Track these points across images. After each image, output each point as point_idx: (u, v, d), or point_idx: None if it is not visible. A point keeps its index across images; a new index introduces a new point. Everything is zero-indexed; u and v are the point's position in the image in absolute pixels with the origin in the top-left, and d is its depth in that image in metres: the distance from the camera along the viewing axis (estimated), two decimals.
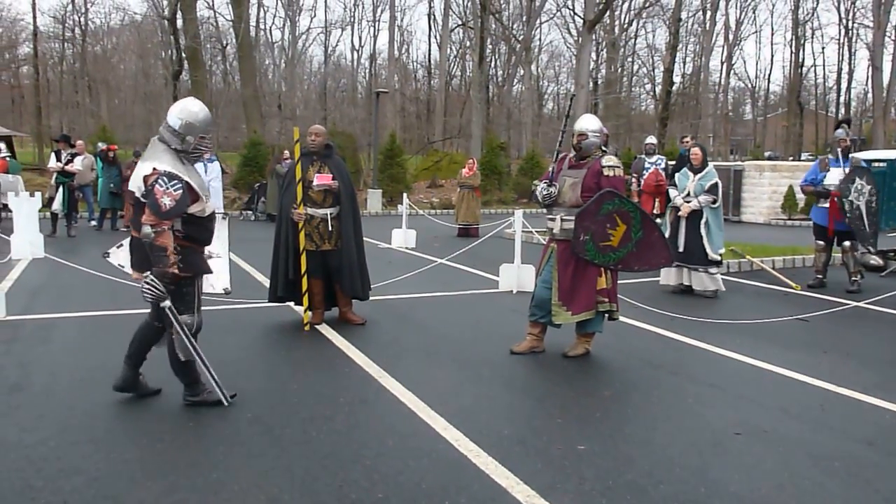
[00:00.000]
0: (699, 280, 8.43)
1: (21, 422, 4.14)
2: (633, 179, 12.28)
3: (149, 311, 4.52)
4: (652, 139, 12.73)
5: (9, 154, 16.35)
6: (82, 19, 40.70)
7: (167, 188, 4.08)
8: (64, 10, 41.97)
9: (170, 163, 4.21)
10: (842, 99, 47.61)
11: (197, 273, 4.45)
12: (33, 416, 4.24)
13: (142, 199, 4.17)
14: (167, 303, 4.23)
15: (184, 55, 31.54)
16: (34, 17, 36.43)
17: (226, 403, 4.45)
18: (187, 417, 4.27)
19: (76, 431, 4.02)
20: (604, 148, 5.73)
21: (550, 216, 5.70)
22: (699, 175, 8.41)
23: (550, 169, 5.86)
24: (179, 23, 30.26)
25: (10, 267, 9.59)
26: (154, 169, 4.14)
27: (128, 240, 4.69)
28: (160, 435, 3.99)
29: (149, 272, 4.18)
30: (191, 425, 4.14)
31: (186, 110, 4.36)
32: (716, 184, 8.36)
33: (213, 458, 3.69)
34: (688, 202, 8.35)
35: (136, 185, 4.22)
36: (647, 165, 12.02)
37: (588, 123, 5.73)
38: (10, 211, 11.64)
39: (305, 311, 6.51)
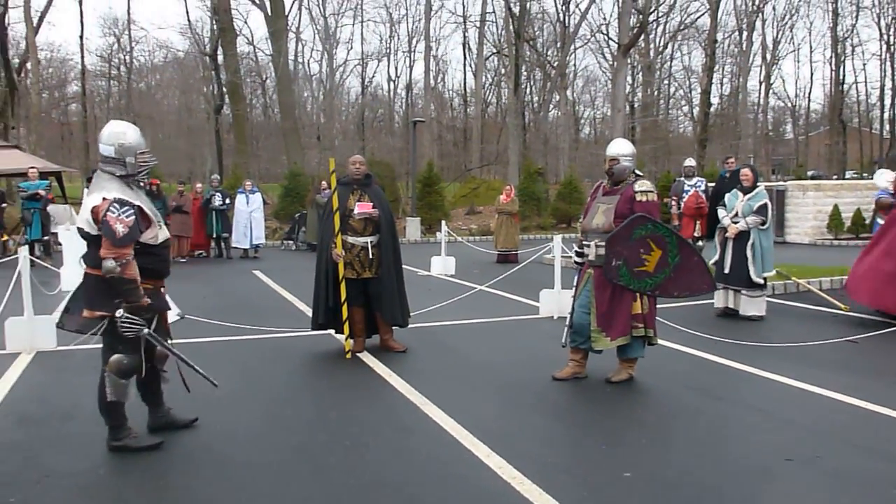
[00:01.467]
0: (742, 303, 8.29)
1: (72, 449, 4.23)
2: (673, 202, 12.16)
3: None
4: (691, 161, 12.60)
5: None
6: (127, 58, 42.03)
7: (119, 215, 3.93)
8: (110, 50, 43.45)
9: (118, 190, 4.06)
10: (886, 115, 46.71)
11: (154, 312, 4.24)
12: (84, 444, 4.32)
13: (91, 234, 4.04)
14: (146, 331, 4.08)
15: (225, 90, 32.29)
16: (82, 57, 37.72)
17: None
18: (232, 446, 4.31)
19: (124, 460, 4.08)
20: (637, 172, 5.70)
21: (586, 242, 5.67)
22: (748, 195, 8.29)
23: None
24: (220, 59, 31.06)
25: (61, 298, 9.80)
26: (104, 198, 3.99)
27: (63, 304, 4.32)
28: (205, 463, 4.03)
29: (121, 310, 3.98)
30: (235, 453, 4.18)
31: (114, 134, 4.19)
32: (765, 205, 8.21)
33: (258, 486, 3.72)
34: (735, 223, 8.23)
35: (83, 220, 4.07)
36: (686, 188, 11.90)
37: (620, 148, 5.70)
38: (60, 243, 11.94)
39: (347, 338, 6.56)
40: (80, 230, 4.14)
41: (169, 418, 4.60)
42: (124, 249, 3.93)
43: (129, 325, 4.01)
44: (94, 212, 4.00)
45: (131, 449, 4.20)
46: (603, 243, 5.47)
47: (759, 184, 8.46)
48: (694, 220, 11.67)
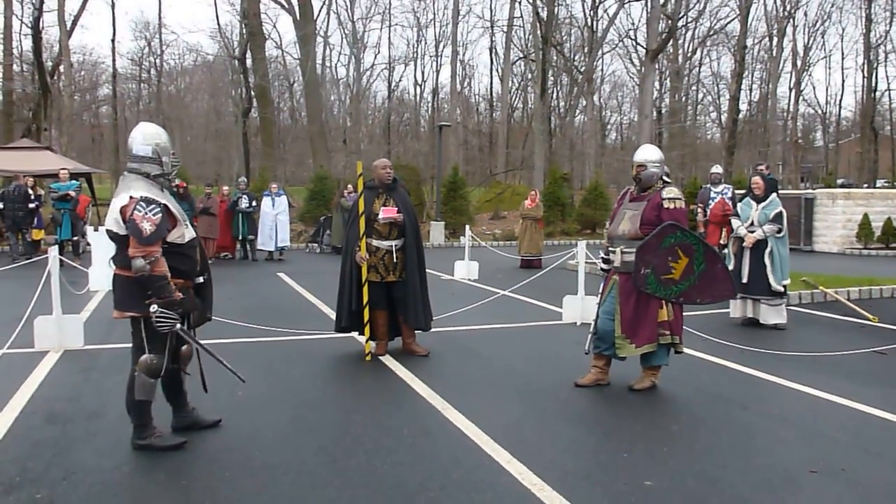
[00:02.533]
0: (763, 312, 8.20)
1: (98, 448, 4.29)
2: (700, 209, 12.07)
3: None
4: (718, 168, 12.49)
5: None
6: (158, 61, 42.65)
7: (146, 213, 4.00)
8: (141, 53, 44.18)
9: (145, 189, 4.15)
10: None
11: (186, 308, 4.29)
12: (110, 442, 4.38)
13: (120, 234, 4.13)
14: (179, 326, 4.16)
15: (253, 93, 32.63)
16: (113, 60, 38.34)
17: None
18: (255, 447, 4.34)
19: (149, 458, 4.13)
20: (665, 179, 5.66)
21: (612, 248, 5.64)
22: (763, 204, 8.20)
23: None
24: (249, 62, 31.36)
25: (89, 298, 9.97)
26: (131, 197, 4.09)
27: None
28: (228, 464, 4.07)
29: (154, 306, 4.05)
30: (257, 454, 4.21)
31: (151, 135, 4.32)
32: (780, 213, 8.13)
33: (280, 489, 3.75)
34: (752, 232, 8.15)
35: (112, 220, 4.16)
36: (713, 195, 11.80)
37: (647, 154, 5.66)
38: (90, 244, 12.13)
39: (367, 340, 6.58)
40: (108, 231, 4.22)
41: (193, 418, 4.66)
42: (152, 247, 4.00)
43: (163, 321, 4.07)
44: (122, 211, 4.09)
45: (155, 448, 4.26)
46: (630, 250, 5.44)
47: (770, 191, 8.36)
48: (720, 227, 11.58)
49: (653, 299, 5.46)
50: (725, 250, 11.44)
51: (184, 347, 4.38)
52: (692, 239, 5.51)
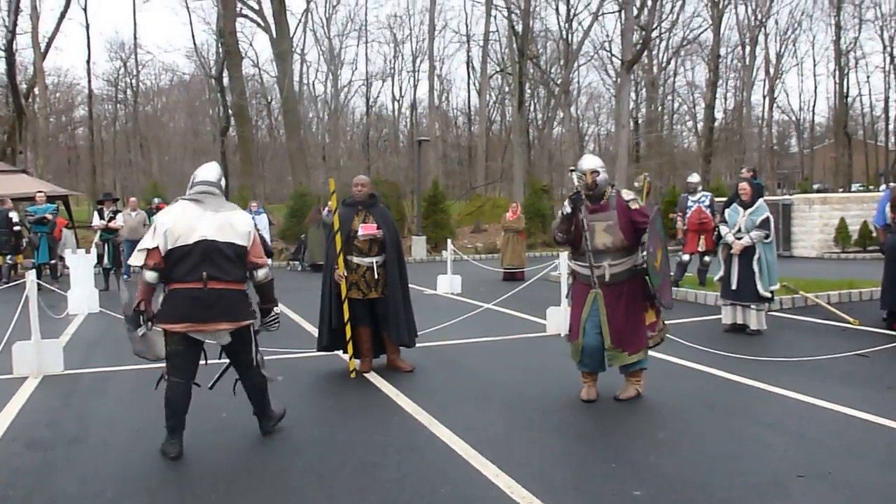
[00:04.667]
0: (752, 317, 8.25)
1: (80, 474, 4.22)
2: (679, 218, 12.15)
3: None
4: (695, 177, 12.57)
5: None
6: (134, 81, 42.35)
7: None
8: (117, 73, 43.81)
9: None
10: (891, 127, 46.69)
11: None
12: (91, 468, 4.32)
13: (235, 245, 4.43)
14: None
15: (231, 112, 32.53)
16: (89, 81, 37.99)
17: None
18: (241, 467, 4.30)
19: (133, 483, 4.07)
20: (612, 183, 5.68)
21: (596, 264, 5.42)
22: (749, 210, 8.25)
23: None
24: (226, 81, 31.27)
25: (68, 322, 9.85)
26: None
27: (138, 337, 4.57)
28: (214, 486, 4.02)
29: (274, 309, 4.70)
30: (244, 475, 4.17)
31: (214, 166, 4.86)
32: (767, 218, 8.19)
33: None
34: (739, 238, 8.20)
35: (241, 234, 4.46)
36: (690, 203, 11.88)
37: (596, 161, 5.57)
38: (68, 267, 12.00)
39: (351, 358, 6.54)
40: (223, 244, 4.39)
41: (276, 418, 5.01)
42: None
43: (271, 322, 4.73)
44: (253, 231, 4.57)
45: (278, 419, 4.88)
46: (616, 262, 5.41)
47: (761, 196, 8.45)
48: (698, 234, 11.66)
49: (639, 303, 5.48)
50: (706, 258, 11.56)
51: (259, 356, 4.76)
52: (664, 234, 5.68)
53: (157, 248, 4.36)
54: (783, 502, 3.69)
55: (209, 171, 4.74)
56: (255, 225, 4.86)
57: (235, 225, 4.46)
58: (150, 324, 4.45)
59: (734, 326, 8.40)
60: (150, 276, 4.41)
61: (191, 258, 4.33)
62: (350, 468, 4.24)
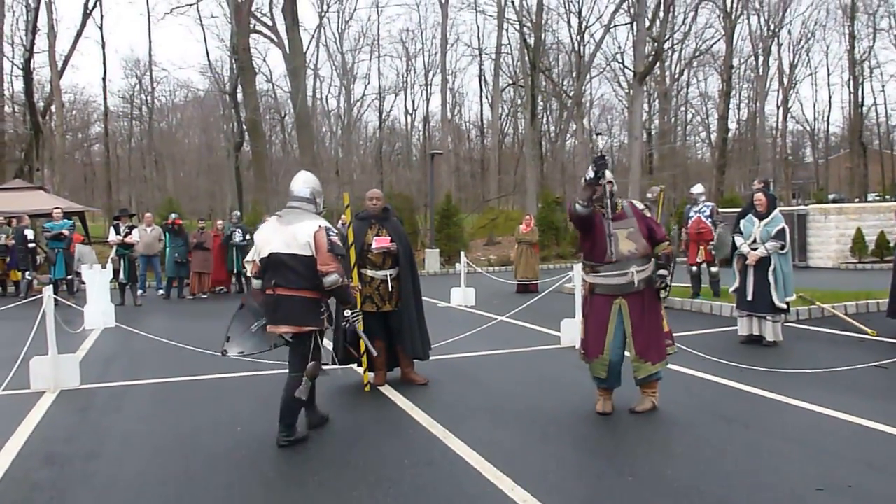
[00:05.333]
0: (768, 329, 8.18)
1: (97, 489, 4.24)
2: (682, 229, 12.14)
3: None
4: (698, 188, 12.51)
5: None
6: (149, 98, 42.74)
7: (334, 237, 4.89)
8: (132, 90, 44.31)
9: (321, 219, 5.03)
10: None
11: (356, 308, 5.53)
12: (107, 483, 4.33)
13: (306, 257, 4.81)
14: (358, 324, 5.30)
15: (244, 127, 32.76)
16: (105, 99, 38.47)
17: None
18: (257, 483, 4.30)
19: (148, 498, 4.08)
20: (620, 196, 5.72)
21: (620, 271, 5.36)
22: (765, 221, 8.19)
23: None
24: (240, 97, 31.53)
25: (84, 337, 9.91)
26: (320, 226, 4.88)
27: (237, 329, 5.23)
28: (229, 502, 4.02)
29: (349, 311, 5.29)
30: (260, 491, 4.17)
31: (310, 180, 5.21)
32: (783, 229, 8.11)
33: None
34: (754, 249, 8.14)
35: (301, 244, 4.82)
36: (691, 214, 11.83)
37: (609, 173, 5.57)
38: (84, 282, 12.11)
39: (365, 371, 6.54)
40: (286, 256, 4.84)
41: (318, 418, 5.40)
42: (339, 264, 4.88)
43: (356, 318, 5.26)
44: (316, 236, 4.84)
45: (299, 441, 4.98)
46: (642, 268, 5.39)
47: (776, 207, 8.39)
48: (697, 245, 11.60)
49: (658, 312, 5.49)
50: (714, 268, 11.51)
51: (310, 364, 4.94)
52: None
53: (255, 260, 5.13)
54: None
55: (296, 184, 5.19)
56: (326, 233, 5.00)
57: (298, 237, 4.86)
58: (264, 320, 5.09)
59: (750, 338, 8.33)
60: (256, 283, 5.13)
61: (267, 269, 4.95)
62: (365, 483, 4.23)
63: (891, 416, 5.27)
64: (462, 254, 14.66)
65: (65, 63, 32.51)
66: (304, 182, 5.18)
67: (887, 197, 39.85)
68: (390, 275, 6.56)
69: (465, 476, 4.32)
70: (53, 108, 33.33)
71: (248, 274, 5.33)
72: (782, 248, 8.11)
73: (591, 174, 5.19)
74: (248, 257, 5.21)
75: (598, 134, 5.65)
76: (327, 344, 5.53)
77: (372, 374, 6.63)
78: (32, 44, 29.65)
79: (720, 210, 12.76)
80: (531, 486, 4.06)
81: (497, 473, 4.30)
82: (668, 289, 5.75)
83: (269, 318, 4.98)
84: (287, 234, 4.89)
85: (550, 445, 4.89)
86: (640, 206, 5.63)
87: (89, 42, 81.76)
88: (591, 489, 4.10)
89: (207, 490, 4.20)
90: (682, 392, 6.07)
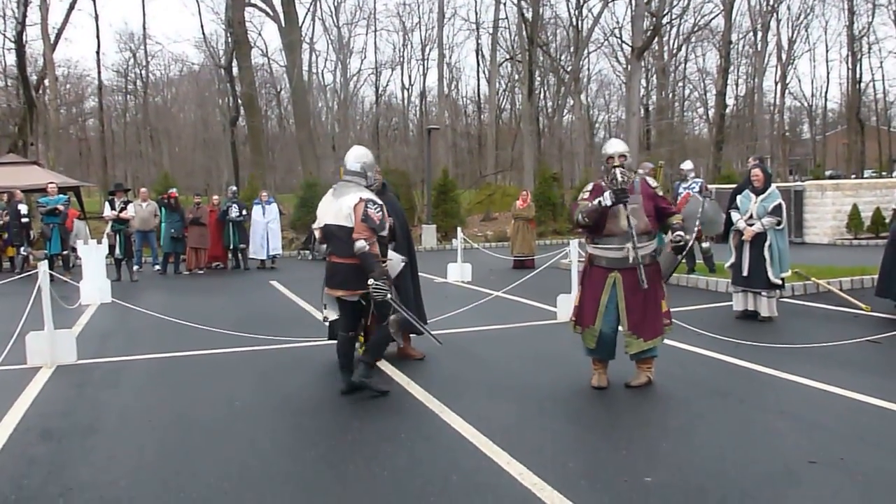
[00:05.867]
0: (763, 304, 8.21)
1: (94, 463, 4.26)
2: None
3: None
4: (688, 164, 12.47)
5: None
6: (143, 72, 42.42)
7: (375, 210, 5.25)
8: (126, 65, 43.91)
9: (368, 192, 5.45)
10: None
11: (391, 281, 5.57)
12: (105, 457, 4.35)
13: (347, 227, 5.27)
14: (390, 295, 5.24)
15: (240, 102, 32.54)
16: (99, 73, 38.15)
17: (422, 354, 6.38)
18: (253, 457, 4.32)
19: (146, 472, 4.10)
20: (634, 170, 5.65)
21: (616, 245, 5.37)
22: (762, 196, 8.17)
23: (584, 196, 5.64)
24: (235, 71, 31.28)
25: (80, 312, 9.91)
26: (360, 198, 5.30)
27: (330, 298, 5.60)
28: (227, 475, 4.04)
29: (371, 280, 5.14)
30: (256, 464, 4.19)
31: (361, 155, 5.65)
32: (779, 205, 8.11)
33: (280, 499, 3.72)
34: (751, 225, 8.13)
35: (343, 216, 5.32)
36: (680, 190, 11.80)
37: (622, 145, 5.59)
38: (80, 258, 12.09)
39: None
40: (335, 227, 5.38)
41: (357, 382, 5.51)
42: (374, 235, 5.22)
43: (378, 290, 5.15)
44: (356, 208, 5.27)
45: (371, 387, 5.47)
46: (642, 244, 5.34)
47: (771, 183, 8.38)
48: None
49: (658, 291, 5.47)
50: (705, 244, 11.46)
51: (392, 316, 5.39)
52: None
53: (317, 228, 5.69)
54: (795, 490, 3.68)
55: (349, 159, 5.64)
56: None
57: (343, 209, 5.36)
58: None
59: (745, 313, 8.36)
60: (322, 248, 5.68)
61: (325, 238, 5.54)
62: (362, 457, 4.26)
63: (883, 390, 5.31)
64: (459, 229, 14.63)
65: (58, 36, 32.17)
66: (355, 157, 5.61)
67: (884, 173, 39.87)
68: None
69: (461, 450, 4.35)
70: (47, 82, 33.02)
71: (316, 237, 5.83)
72: (779, 223, 8.11)
73: (608, 202, 5.30)
74: (315, 225, 5.81)
75: (661, 165, 5.67)
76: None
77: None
78: (24, 16, 29.30)
79: (709, 187, 12.74)
80: (527, 461, 4.09)
81: (493, 448, 4.33)
82: (683, 251, 5.62)
83: (327, 283, 5.51)
84: (336, 206, 5.42)
85: (546, 420, 4.92)
86: (654, 183, 5.60)
87: (82, 15, 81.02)
88: (586, 462, 4.13)
89: (205, 464, 4.22)
90: (678, 367, 6.10)
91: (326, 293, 5.53)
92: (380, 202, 5.40)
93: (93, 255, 11.54)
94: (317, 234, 5.77)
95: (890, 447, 4.24)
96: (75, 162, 43.89)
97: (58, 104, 35.83)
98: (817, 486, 3.72)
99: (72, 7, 31.99)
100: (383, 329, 5.45)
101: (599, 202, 5.32)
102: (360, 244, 5.12)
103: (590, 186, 5.65)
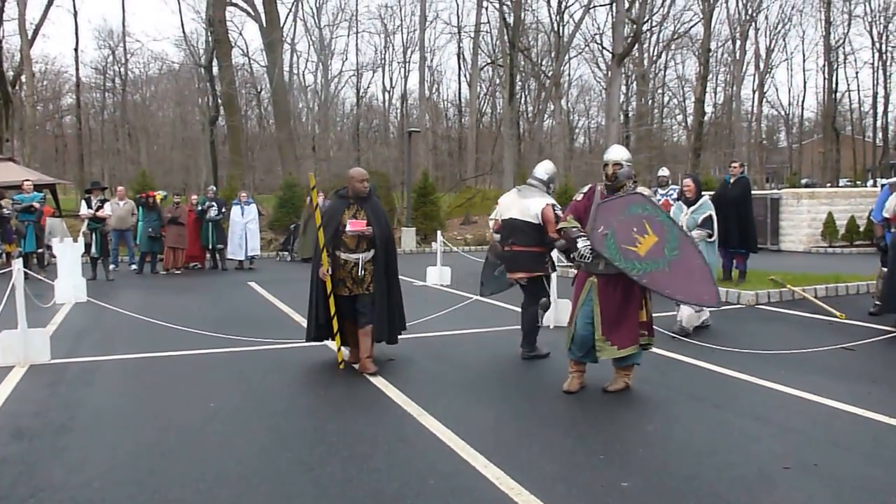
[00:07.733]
0: (683, 313, 7.82)
1: (67, 463, 4.20)
2: None
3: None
4: (664, 171, 12.59)
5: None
6: (122, 69, 42.03)
7: (558, 211, 6.39)
8: (105, 62, 43.50)
9: (550, 198, 6.65)
10: (878, 123, 47.01)
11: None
12: (78, 457, 4.29)
13: (533, 224, 6.53)
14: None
15: (220, 101, 32.31)
16: (77, 69, 37.74)
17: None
18: (228, 457, 4.28)
19: (120, 472, 4.05)
20: (634, 179, 5.67)
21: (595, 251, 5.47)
22: (692, 208, 8.08)
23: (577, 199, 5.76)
24: (215, 70, 31.07)
25: (55, 311, 9.79)
26: (548, 203, 6.52)
27: (486, 275, 7.40)
28: (202, 476, 4.00)
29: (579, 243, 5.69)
30: (232, 465, 4.16)
31: (550, 169, 6.90)
32: (709, 216, 7.98)
33: (255, 499, 3.69)
34: None
35: (531, 215, 6.54)
36: (658, 197, 11.89)
37: (621, 153, 5.66)
38: (55, 256, 11.94)
39: (339, 348, 6.50)
40: (521, 222, 6.59)
41: (529, 357, 6.79)
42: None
43: (580, 258, 5.55)
44: (545, 211, 6.49)
45: (538, 357, 6.76)
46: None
47: (703, 194, 8.29)
48: None
49: (633, 300, 5.45)
50: None
51: (542, 300, 6.78)
52: (665, 218, 5.41)
53: (496, 219, 6.98)
54: (770, 494, 3.71)
55: (538, 168, 6.94)
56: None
57: (530, 209, 6.55)
58: (503, 267, 6.96)
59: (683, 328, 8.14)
60: (496, 236, 7.01)
61: (505, 229, 6.75)
62: (338, 459, 4.23)
63: (857, 396, 5.38)
64: (438, 233, 14.64)
65: (35, 31, 31.80)
66: (544, 170, 6.86)
67: (858, 182, 40.39)
68: (363, 258, 6.32)
69: (438, 453, 4.34)
70: (24, 77, 32.60)
71: (491, 229, 7.16)
72: (710, 236, 7.99)
73: (579, 245, 5.49)
74: (492, 216, 7.10)
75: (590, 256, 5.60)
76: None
77: (346, 351, 6.60)
78: (2, 11, 28.95)
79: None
80: (504, 464, 4.09)
81: (471, 451, 4.32)
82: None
83: (507, 268, 6.78)
84: (522, 205, 6.61)
85: (524, 423, 4.92)
86: (647, 192, 5.62)
87: (61, 11, 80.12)
88: (563, 467, 4.14)
89: (180, 464, 4.18)
90: (655, 372, 6.14)
91: (503, 276, 6.95)
92: (558, 206, 6.51)
93: (68, 253, 11.40)
94: (491, 224, 7.16)
95: (863, 453, 4.29)
96: (51, 159, 43.37)
97: (35, 100, 35.37)
98: (791, 490, 3.76)
99: (50, 3, 31.68)
100: (530, 311, 6.69)
101: (576, 243, 5.53)
102: (560, 242, 5.94)
103: (585, 189, 5.81)
